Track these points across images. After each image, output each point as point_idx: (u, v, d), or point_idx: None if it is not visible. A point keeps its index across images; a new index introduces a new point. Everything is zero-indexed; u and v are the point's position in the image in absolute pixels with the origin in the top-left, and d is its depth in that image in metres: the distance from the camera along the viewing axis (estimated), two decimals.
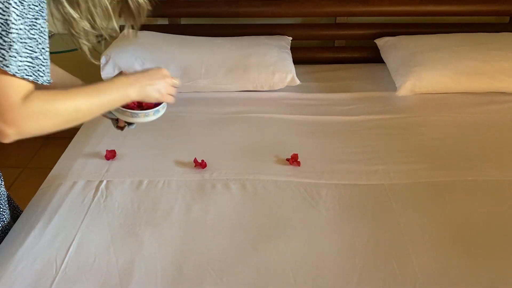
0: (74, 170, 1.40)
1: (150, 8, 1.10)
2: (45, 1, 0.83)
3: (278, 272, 1.05)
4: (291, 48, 2.02)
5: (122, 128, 1.15)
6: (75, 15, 0.92)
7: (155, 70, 1.02)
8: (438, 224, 1.17)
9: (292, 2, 2.06)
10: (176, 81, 1.06)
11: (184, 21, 2.18)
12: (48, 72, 0.85)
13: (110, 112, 1.06)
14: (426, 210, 1.22)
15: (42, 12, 0.83)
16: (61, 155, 1.51)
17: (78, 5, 0.93)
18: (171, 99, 1.04)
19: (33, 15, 0.81)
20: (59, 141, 2.59)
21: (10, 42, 0.77)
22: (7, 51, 0.77)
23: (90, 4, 0.98)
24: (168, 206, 1.25)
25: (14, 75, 0.78)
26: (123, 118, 1.06)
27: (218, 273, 1.04)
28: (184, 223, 1.19)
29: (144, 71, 1.02)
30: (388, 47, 1.99)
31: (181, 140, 1.55)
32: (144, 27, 2.09)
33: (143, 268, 1.06)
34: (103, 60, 1.80)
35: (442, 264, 1.06)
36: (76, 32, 0.96)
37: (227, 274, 1.04)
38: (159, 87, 1.00)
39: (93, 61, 1.06)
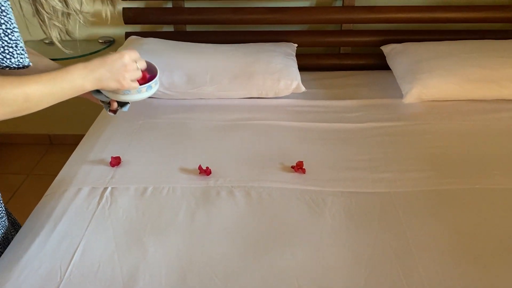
0: (79, 176, 1.41)
1: None
2: None
3: (283, 280, 1.05)
4: (297, 55, 2.03)
5: (115, 112, 1.11)
6: None
7: (115, 59, 0.97)
8: (445, 233, 1.17)
9: (297, 9, 2.08)
10: (139, 60, 1.01)
11: (189, 28, 2.20)
12: (18, 54, 0.84)
13: (101, 94, 1.04)
14: (432, 219, 1.22)
15: None
16: (65, 161, 1.53)
17: None
18: (132, 86, 0.99)
19: None
20: (63, 147, 2.62)
21: None
22: None
23: None
24: (173, 213, 1.26)
25: None
26: (114, 97, 1.03)
27: (223, 281, 1.05)
28: (189, 230, 1.20)
29: (105, 58, 0.97)
30: (394, 54, 2.00)
31: (186, 147, 1.56)
32: (150, 34, 2.13)
33: (148, 275, 1.06)
34: None
35: (449, 273, 1.06)
36: (46, 12, 0.94)
37: (232, 282, 1.04)
38: (118, 78, 0.96)
39: (63, 49, 1.02)
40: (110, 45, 2.23)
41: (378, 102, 1.84)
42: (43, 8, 0.93)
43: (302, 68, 1.96)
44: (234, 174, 1.41)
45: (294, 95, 1.86)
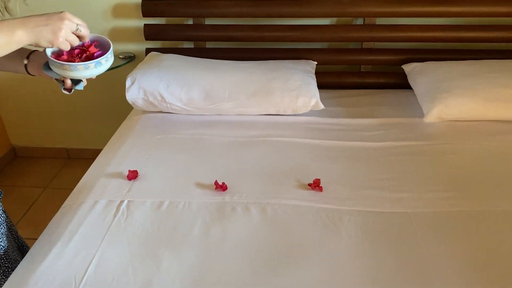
0: (96, 189, 1.45)
1: None
2: None
3: None
4: (317, 73, 2.06)
5: (70, 90, 1.11)
6: None
7: (52, 13, 0.95)
8: (464, 255, 1.17)
9: (317, 27, 2.12)
10: (81, 24, 0.97)
11: (209, 44, 2.25)
12: None
13: (52, 71, 1.04)
14: (452, 240, 1.22)
15: None
16: (82, 175, 1.57)
17: None
18: (66, 45, 0.96)
19: None
20: (81, 161, 2.69)
21: None
22: None
23: None
24: (188, 227, 1.28)
25: None
26: (63, 74, 1.03)
27: None
28: (203, 245, 1.21)
29: (40, 14, 0.94)
30: (415, 73, 2.01)
31: (203, 162, 1.59)
32: (170, 50, 2.19)
33: None
34: (128, 81, 1.87)
35: None
36: None
37: None
38: (53, 28, 0.93)
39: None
40: (130, 60, 2.30)
41: (398, 121, 1.85)
42: None
43: (321, 86, 1.99)
44: (250, 190, 1.43)
45: (312, 113, 1.89)
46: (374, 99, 2.06)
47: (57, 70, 1.03)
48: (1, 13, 1.10)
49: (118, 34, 2.32)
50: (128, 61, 2.29)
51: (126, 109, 2.02)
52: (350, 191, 1.43)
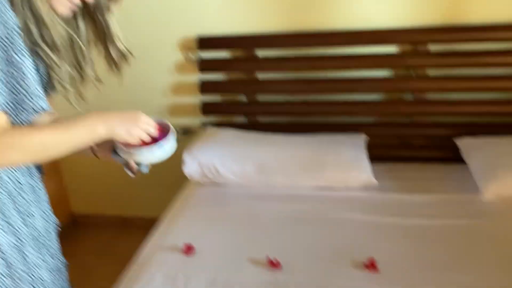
0: (153, 263, 1.50)
1: (131, 54, 1.20)
2: (17, 35, 0.92)
3: None
4: (368, 146, 2.08)
5: (134, 173, 1.18)
6: (55, 58, 1.05)
7: (130, 111, 1.05)
8: None
9: (368, 103, 2.17)
10: (151, 128, 1.06)
11: (262, 119, 2.34)
12: (33, 99, 0.94)
13: (118, 156, 1.11)
14: None
15: (14, 45, 0.92)
16: (138, 244, 1.63)
17: (57, 48, 1.05)
18: (137, 141, 1.06)
19: (4, 51, 0.91)
20: (136, 229, 2.77)
21: None
22: None
23: (70, 50, 1.12)
24: None
25: None
26: (129, 157, 1.09)
27: None
28: None
29: (121, 111, 1.05)
30: (470, 148, 1.99)
31: (256, 237, 1.62)
32: (225, 124, 2.30)
33: None
34: (186, 156, 1.97)
35: None
36: (60, 77, 1.08)
37: None
38: (129, 129, 1.03)
39: (76, 106, 1.14)
40: (187, 134, 2.42)
41: (453, 197, 1.82)
42: (56, 73, 1.07)
43: (372, 159, 2.00)
44: (303, 269, 1.43)
45: (365, 188, 1.90)
46: (427, 173, 2.04)
47: (123, 155, 1.11)
48: (76, 99, 1.22)
49: (176, 109, 2.47)
50: (185, 135, 2.41)
51: (181, 179, 2.10)
52: (407, 272, 1.40)
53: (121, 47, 1.20)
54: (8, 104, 0.93)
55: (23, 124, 0.98)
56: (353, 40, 2.11)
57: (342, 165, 1.88)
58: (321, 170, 1.88)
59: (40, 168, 1.27)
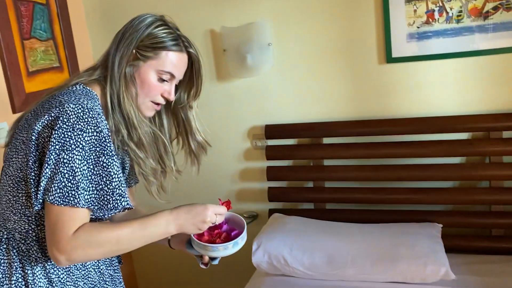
0: None
1: (209, 145, 1.33)
2: (107, 140, 1.04)
3: None
4: (442, 236, 2.00)
5: (206, 265, 1.24)
6: (142, 155, 1.16)
7: (199, 211, 1.12)
8: None
9: (441, 190, 2.11)
10: (219, 214, 1.14)
11: (329, 206, 2.33)
12: (116, 199, 1.04)
13: (192, 248, 1.18)
14: None
15: (104, 150, 1.04)
16: None
17: (143, 146, 1.16)
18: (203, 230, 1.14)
19: (95, 155, 1.02)
20: None
21: (78, 183, 1.00)
22: (75, 191, 0.99)
23: (153, 145, 1.23)
24: None
25: (81, 208, 1.00)
26: (204, 253, 1.16)
27: None
28: None
29: (191, 208, 1.13)
30: None
31: None
32: (291, 211, 2.30)
33: None
34: (254, 245, 1.98)
35: None
36: (144, 171, 1.19)
37: None
38: (198, 224, 1.11)
39: (158, 199, 1.26)
40: (253, 220, 2.44)
41: None
42: (141, 168, 1.18)
43: (449, 250, 1.91)
44: None
45: (442, 282, 1.80)
46: (510, 267, 1.91)
47: (198, 249, 1.17)
48: (158, 191, 1.29)
49: (243, 195, 2.52)
50: (251, 220, 2.44)
51: (248, 268, 2.09)
52: None
53: (200, 139, 1.31)
54: (93, 201, 1.02)
55: (103, 218, 1.06)
56: (422, 127, 2.10)
57: (417, 258, 1.81)
58: (395, 263, 1.82)
59: (119, 258, 1.34)
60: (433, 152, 2.09)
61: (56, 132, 1.01)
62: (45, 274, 1.12)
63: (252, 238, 2.05)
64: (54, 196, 0.99)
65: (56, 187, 1.00)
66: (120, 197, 1.05)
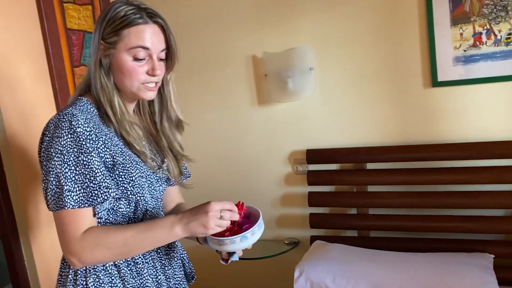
0: None
1: (185, 123, 1.33)
2: (84, 138, 1.06)
3: None
4: (494, 267, 1.92)
5: (226, 261, 1.21)
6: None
7: (200, 206, 1.11)
8: None
9: (492, 218, 2.04)
10: (224, 210, 1.10)
11: (373, 233, 2.29)
12: (104, 192, 1.07)
13: (208, 243, 1.16)
14: None
15: (82, 148, 1.06)
16: None
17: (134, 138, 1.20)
18: (218, 230, 1.10)
19: (74, 155, 1.06)
20: None
21: (62, 186, 1.03)
22: (62, 194, 1.03)
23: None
24: None
25: (72, 209, 1.04)
26: (214, 247, 1.13)
27: None
28: None
29: (194, 207, 1.12)
30: None
31: None
32: (334, 238, 2.27)
33: None
34: (296, 272, 1.96)
35: None
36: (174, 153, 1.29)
37: None
38: (202, 222, 1.08)
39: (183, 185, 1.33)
40: (295, 246, 2.43)
41: None
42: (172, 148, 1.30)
43: (501, 282, 1.84)
44: None
45: None
46: None
47: (211, 244, 1.16)
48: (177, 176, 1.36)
49: (284, 221, 2.51)
50: (292, 247, 2.42)
51: None
52: None
53: (175, 116, 1.32)
54: (82, 200, 1.07)
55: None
56: (470, 152, 2.05)
57: None
58: None
59: (192, 274, 1.39)
60: (483, 178, 2.03)
61: (42, 146, 1.11)
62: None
63: (293, 265, 2.04)
64: (51, 203, 1.08)
65: (50, 196, 1.08)
66: (107, 189, 1.09)
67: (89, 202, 1.07)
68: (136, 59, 1.16)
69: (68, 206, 1.05)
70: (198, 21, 2.48)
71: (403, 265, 1.92)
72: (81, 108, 1.14)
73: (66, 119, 1.08)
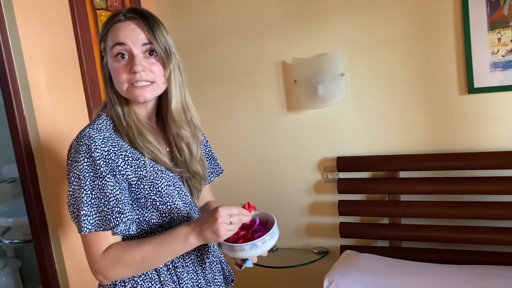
0: None
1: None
2: (98, 162, 1.08)
3: None
4: None
5: (240, 266, 1.21)
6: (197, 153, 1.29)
7: (209, 214, 1.11)
8: None
9: None
10: (234, 215, 1.10)
11: (405, 244, 2.26)
12: (116, 217, 1.08)
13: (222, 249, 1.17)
14: None
15: (97, 173, 1.08)
16: None
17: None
18: (229, 234, 1.11)
19: (90, 180, 1.08)
20: None
21: (79, 211, 1.07)
22: (80, 219, 1.08)
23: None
24: None
25: (90, 233, 1.07)
26: (227, 252, 1.15)
27: None
28: None
29: (204, 215, 1.13)
30: None
31: None
32: (364, 248, 2.25)
33: None
34: (325, 282, 1.95)
35: None
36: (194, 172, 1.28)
37: None
38: (213, 229, 1.08)
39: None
40: (324, 256, 2.41)
41: None
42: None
43: None
44: None
45: None
46: None
47: (224, 249, 1.18)
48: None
49: (313, 229, 2.51)
50: (321, 256, 2.41)
51: None
52: None
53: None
54: (97, 224, 1.09)
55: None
56: (508, 161, 2.00)
57: None
58: None
59: (232, 277, 1.43)
60: None
61: (66, 169, 1.15)
62: None
63: (322, 275, 2.03)
64: (76, 226, 1.12)
65: (73, 219, 1.13)
66: (120, 214, 1.11)
67: (103, 226, 1.10)
68: (116, 58, 1.15)
69: (84, 231, 1.09)
70: (228, 27, 2.52)
71: (436, 277, 1.89)
72: (99, 126, 1.16)
73: (84, 142, 1.10)
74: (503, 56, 1.98)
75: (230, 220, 1.10)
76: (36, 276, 1.95)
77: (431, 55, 2.13)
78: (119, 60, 1.15)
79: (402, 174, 2.24)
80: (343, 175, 2.36)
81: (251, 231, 1.21)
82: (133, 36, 1.14)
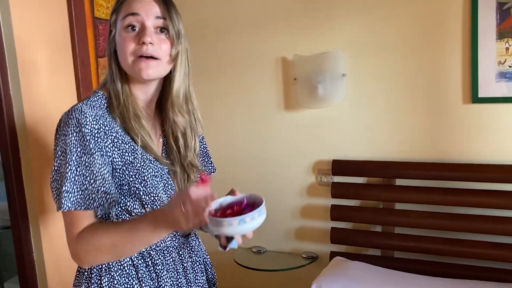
0: None
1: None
2: (88, 138, 1.06)
3: None
4: None
5: (225, 248, 1.19)
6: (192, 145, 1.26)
7: (174, 199, 1.03)
8: None
9: None
10: (206, 202, 1.00)
11: (398, 254, 2.26)
12: (102, 196, 1.07)
13: (208, 228, 1.10)
14: None
15: (85, 149, 1.06)
16: None
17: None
18: (201, 220, 1.01)
19: (77, 155, 1.06)
20: None
21: (61, 187, 1.05)
22: (61, 196, 1.04)
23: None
24: None
25: (69, 211, 1.05)
26: (212, 228, 1.05)
27: None
28: None
29: (169, 201, 1.06)
30: None
31: None
32: (355, 256, 2.25)
33: None
34: (313, 287, 1.95)
35: None
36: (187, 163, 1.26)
37: None
38: (180, 213, 1.00)
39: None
40: (313, 261, 2.41)
41: None
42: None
43: None
44: None
45: None
46: None
47: (210, 225, 1.08)
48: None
49: (303, 233, 2.50)
50: (310, 261, 2.40)
51: None
52: None
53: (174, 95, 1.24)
54: (78, 202, 1.07)
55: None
56: (509, 175, 2.01)
57: None
58: None
59: (214, 280, 1.42)
60: None
61: (54, 142, 1.13)
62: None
63: (310, 281, 2.03)
64: (55, 202, 1.10)
65: (53, 195, 1.11)
66: (105, 194, 1.09)
67: (85, 205, 1.08)
68: (126, 29, 1.15)
69: (63, 208, 1.06)
70: (228, 19, 2.51)
71: None
72: (93, 103, 1.15)
73: (74, 116, 1.08)
74: (510, 66, 1.99)
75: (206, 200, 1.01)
76: (12, 264, 1.92)
77: (436, 60, 2.13)
78: (129, 31, 1.15)
79: (399, 182, 2.24)
80: (338, 179, 2.36)
81: (238, 209, 1.16)
82: (148, 8, 1.15)
